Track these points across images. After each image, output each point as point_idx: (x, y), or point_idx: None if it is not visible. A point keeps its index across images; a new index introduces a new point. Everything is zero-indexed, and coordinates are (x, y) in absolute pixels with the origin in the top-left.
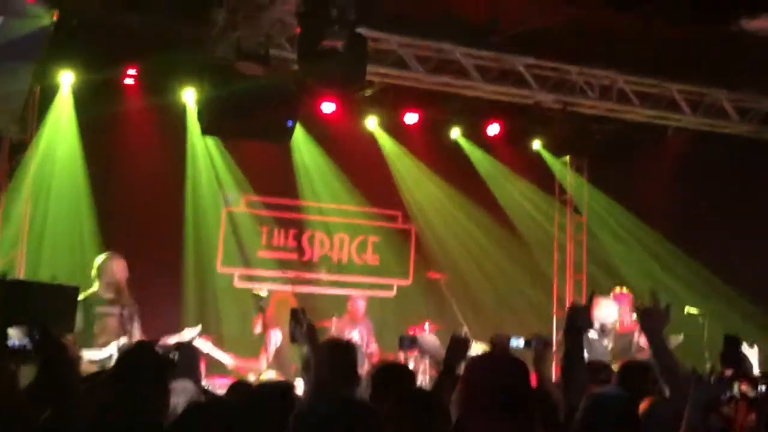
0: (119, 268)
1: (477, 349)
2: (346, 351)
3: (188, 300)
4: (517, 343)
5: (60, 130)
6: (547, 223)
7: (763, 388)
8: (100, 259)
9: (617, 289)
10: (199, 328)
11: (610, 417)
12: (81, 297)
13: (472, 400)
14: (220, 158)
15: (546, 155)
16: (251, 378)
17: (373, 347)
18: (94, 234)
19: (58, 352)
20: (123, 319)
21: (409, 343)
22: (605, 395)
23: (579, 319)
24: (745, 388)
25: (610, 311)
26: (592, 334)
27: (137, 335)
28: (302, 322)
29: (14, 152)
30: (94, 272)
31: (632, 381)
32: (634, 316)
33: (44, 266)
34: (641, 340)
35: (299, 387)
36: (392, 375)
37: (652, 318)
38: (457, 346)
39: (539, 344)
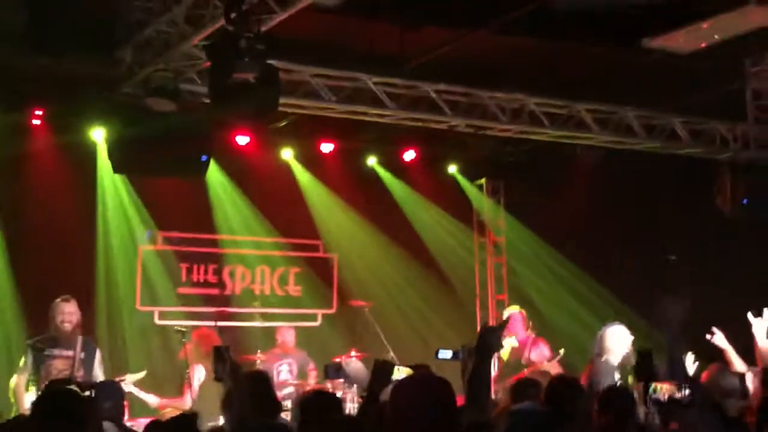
0: (68, 311)
1: (401, 373)
2: (263, 381)
3: (106, 339)
4: (444, 354)
5: None
6: (464, 247)
7: (686, 392)
8: (54, 302)
9: (511, 308)
10: (142, 374)
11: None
12: (31, 340)
13: (401, 423)
14: (133, 196)
15: (461, 179)
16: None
17: (314, 375)
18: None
19: None
20: (75, 361)
21: (335, 371)
22: (522, 411)
23: (489, 339)
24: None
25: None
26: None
27: (100, 376)
28: (226, 360)
29: None
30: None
31: (559, 398)
32: (528, 332)
33: None
34: (531, 354)
35: (221, 422)
36: (320, 403)
37: (490, 335)
38: (381, 371)
39: (466, 354)
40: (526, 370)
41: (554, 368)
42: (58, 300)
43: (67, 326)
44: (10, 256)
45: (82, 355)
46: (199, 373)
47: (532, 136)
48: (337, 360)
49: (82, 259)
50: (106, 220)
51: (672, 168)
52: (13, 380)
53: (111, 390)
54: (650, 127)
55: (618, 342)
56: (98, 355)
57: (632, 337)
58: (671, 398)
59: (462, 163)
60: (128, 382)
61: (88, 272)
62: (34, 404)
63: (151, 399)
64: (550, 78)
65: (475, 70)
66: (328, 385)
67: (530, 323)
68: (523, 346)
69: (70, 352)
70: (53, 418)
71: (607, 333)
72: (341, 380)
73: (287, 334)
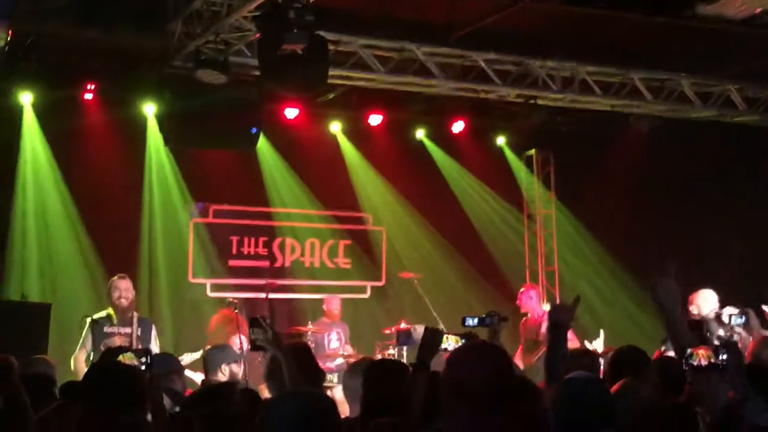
0: (124, 287)
1: (450, 342)
2: (307, 352)
3: (162, 311)
4: (472, 321)
5: (29, 149)
6: (513, 219)
7: (723, 356)
8: (111, 280)
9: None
10: (199, 354)
11: (581, 400)
12: (92, 318)
13: (457, 392)
14: (184, 169)
15: (508, 152)
16: None
17: (348, 349)
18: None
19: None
20: (132, 338)
21: (406, 338)
22: (575, 380)
23: (559, 317)
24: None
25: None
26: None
27: (156, 351)
28: (266, 329)
29: None
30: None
31: (622, 368)
32: (545, 307)
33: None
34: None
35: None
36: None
37: (561, 312)
38: (431, 339)
39: (494, 320)
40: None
41: (571, 342)
42: (115, 278)
43: (124, 302)
44: (75, 231)
45: (139, 331)
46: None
47: (584, 106)
48: (388, 331)
49: (133, 233)
50: (156, 194)
51: (723, 138)
52: (74, 357)
53: (167, 361)
54: (705, 95)
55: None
56: (154, 330)
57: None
58: (709, 363)
59: (511, 133)
60: (185, 363)
61: (139, 246)
62: (88, 376)
63: (197, 377)
64: (602, 46)
65: (524, 38)
66: (386, 353)
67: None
68: (538, 322)
69: (127, 329)
70: (106, 392)
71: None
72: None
73: (333, 303)
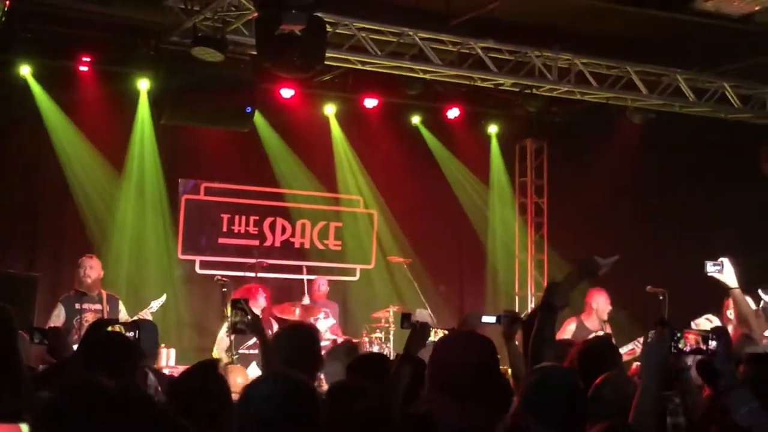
0: (89, 265)
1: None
2: (307, 335)
3: (150, 287)
4: (488, 319)
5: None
6: (505, 207)
7: (713, 343)
8: (81, 259)
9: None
10: (163, 298)
11: (552, 390)
12: (64, 295)
13: (442, 380)
14: (177, 146)
15: (494, 142)
16: None
17: (337, 330)
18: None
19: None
20: (103, 314)
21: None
22: (545, 369)
23: (555, 297)
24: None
25: None
26: None
27: None
28: (246, 311)
29: None
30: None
31: (589, 359)
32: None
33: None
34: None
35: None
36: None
37: (556, 294)
38: (420, 333)
39: (508, 320)
40: None
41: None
42: (84, 257)
43: (88, 280)
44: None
45: (108, 308)
46: None
47: (579, 97)
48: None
49: (120, 209)
50: (146, 170)
51: (717, 134)
52: None
53: (150, 327)
54: (700, 90)
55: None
56: (122, 307)
57: None
58: (695, 349)
59: (506, 122)
60: (155, 309)
61: (129, 222)
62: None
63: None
64: (600, 38)
65: (522, 28)
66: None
67: None
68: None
69: (98, 306)
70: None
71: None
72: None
73: (321, 284)
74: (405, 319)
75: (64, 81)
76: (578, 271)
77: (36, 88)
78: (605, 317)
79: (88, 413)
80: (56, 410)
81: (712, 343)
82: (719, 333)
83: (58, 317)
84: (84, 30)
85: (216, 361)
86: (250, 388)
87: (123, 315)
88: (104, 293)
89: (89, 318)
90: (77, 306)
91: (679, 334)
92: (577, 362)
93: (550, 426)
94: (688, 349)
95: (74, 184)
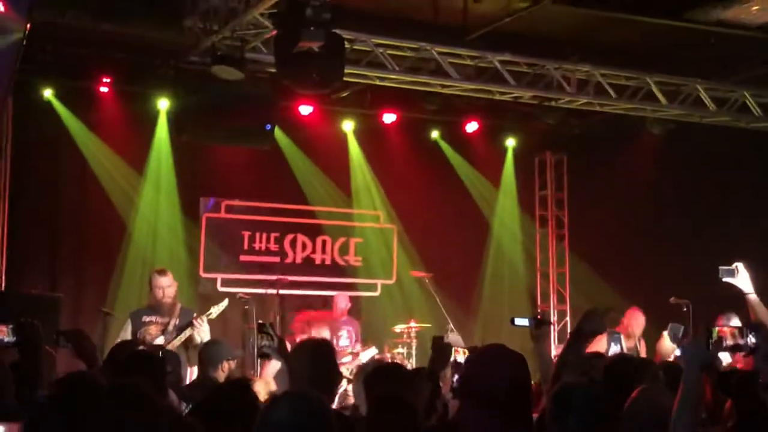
0: (166, 287)
1: (461, 356)
2: (324, 351)
3: None
4: (521, 321)
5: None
6: (526, 220)
7: (751, 338)
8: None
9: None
10: (225, 303)
11: (573, 406)
12: (135, 309)
13: (474, 396)
14: (197, 165)
15: (509, 155)
16: None
17: (358, 347)
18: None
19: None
20: (168, 327)
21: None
22: (567, 385)
23: (586, 324)
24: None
25: None
26: None
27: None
28: (272, 336)
29: None
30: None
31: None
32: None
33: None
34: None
35: None
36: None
37: (591, 322)
38: (440, 351)
39: (539, 322)
40: None
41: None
42: (155, 272)
43: (168, 300)
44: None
45: (176, 321)
46: None
47: (598, 108)
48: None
49: (143, 228)
50: (165, 189)
51: (740, 144)
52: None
53: (172, 357)
54: (720, 100)
55: None
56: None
57: None
58: (734, 344)
59: (525, 135)
60: (214, 315)
61: (152, 241)
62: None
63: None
64: (618, 49)
65: (540, 40)
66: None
67: None
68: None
69: (165, 319)
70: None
71: None
72: None
73: (341, 301)
74: (436, 342)
75: (85, 102)
76: (582, 331)
77: (61, 109)
78: (639, 333)
79: (81, 406)
80: (50, 404)
81: (751, 339)
82: (757, 328)
83: (125, 331)
84: (104, 51)
85: (248, 382)
86: (267, 411)
87: (205, 329)
88: (179, 306)
89: (152, 331)
90: (144, 318)
91: (714, 330)
92: (603, 378)
93: None
94: (726, 344)
95: (95, 203)
